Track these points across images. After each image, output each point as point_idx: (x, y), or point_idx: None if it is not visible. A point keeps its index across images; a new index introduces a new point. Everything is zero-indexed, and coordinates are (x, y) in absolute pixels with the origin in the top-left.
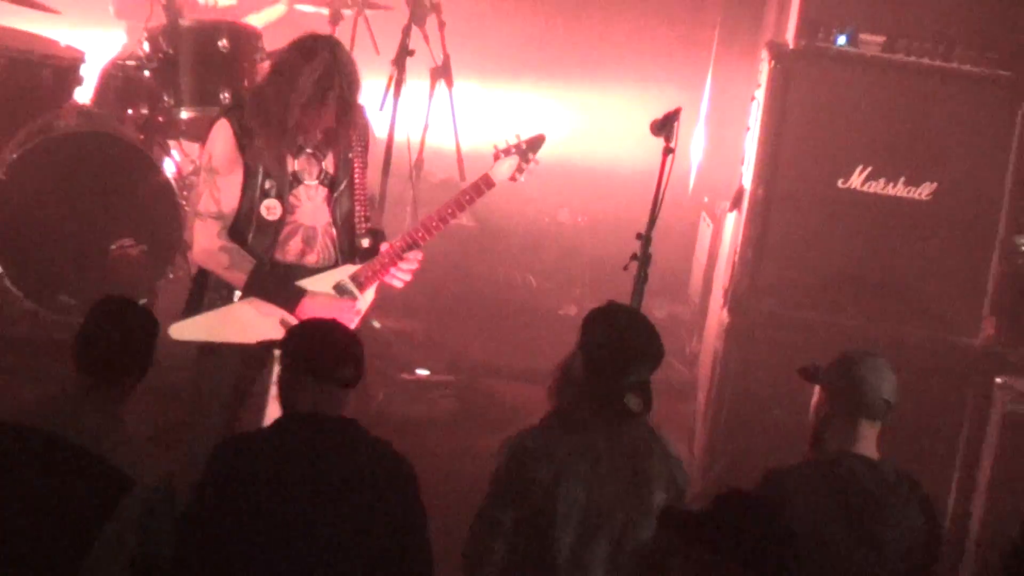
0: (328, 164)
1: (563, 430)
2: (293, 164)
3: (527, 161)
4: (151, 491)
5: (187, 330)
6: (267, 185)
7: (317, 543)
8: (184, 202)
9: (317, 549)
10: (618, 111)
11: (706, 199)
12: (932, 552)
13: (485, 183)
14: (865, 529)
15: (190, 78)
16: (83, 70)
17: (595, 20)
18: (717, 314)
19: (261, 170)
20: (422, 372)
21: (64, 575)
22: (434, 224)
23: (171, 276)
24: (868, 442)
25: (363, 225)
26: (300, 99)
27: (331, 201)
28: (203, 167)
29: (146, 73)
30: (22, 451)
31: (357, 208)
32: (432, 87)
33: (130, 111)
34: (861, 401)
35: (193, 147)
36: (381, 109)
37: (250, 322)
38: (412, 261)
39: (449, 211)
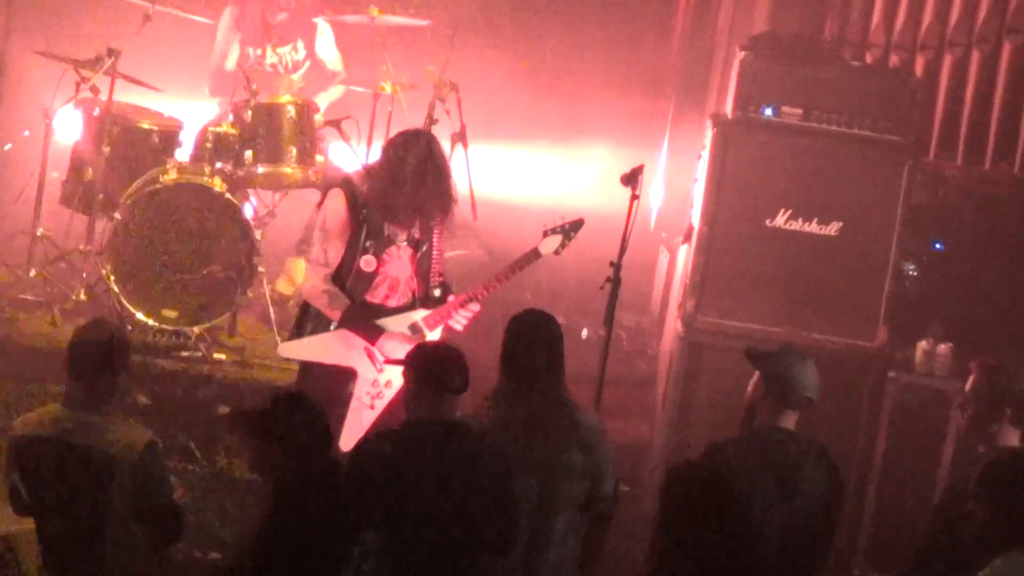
0: (415, 230)
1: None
2: (388, 228)
3: (569, 239)
4: (144, 454)
5: (292, 350)
6: (367, 244)
7: (438, 518)
8: (259, 237)
9: (440, 519)
10: (594, 165)
11: (664, 235)
12: (837, 502)
13: (534, 254)
14: (786, 485)
15: (265, 141)
16: (182, 135)
17: (575, 95)
18: (672, 324)
19: (364, 231)
20: None
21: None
22: (491, 285)
23: (249, 295)
24: (789, 421)
25: (436, 279)
26: (402, 178)
27: (414, 259)
28: (317, 225)
29: (231, 137)
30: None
31: (433, 266)
32: (452, 148)
33: (218, 166)
34: (789, 393)
35: (267, 194)
36: None
37: (341, 348)
38: (470, 311)
39: (504, 275)
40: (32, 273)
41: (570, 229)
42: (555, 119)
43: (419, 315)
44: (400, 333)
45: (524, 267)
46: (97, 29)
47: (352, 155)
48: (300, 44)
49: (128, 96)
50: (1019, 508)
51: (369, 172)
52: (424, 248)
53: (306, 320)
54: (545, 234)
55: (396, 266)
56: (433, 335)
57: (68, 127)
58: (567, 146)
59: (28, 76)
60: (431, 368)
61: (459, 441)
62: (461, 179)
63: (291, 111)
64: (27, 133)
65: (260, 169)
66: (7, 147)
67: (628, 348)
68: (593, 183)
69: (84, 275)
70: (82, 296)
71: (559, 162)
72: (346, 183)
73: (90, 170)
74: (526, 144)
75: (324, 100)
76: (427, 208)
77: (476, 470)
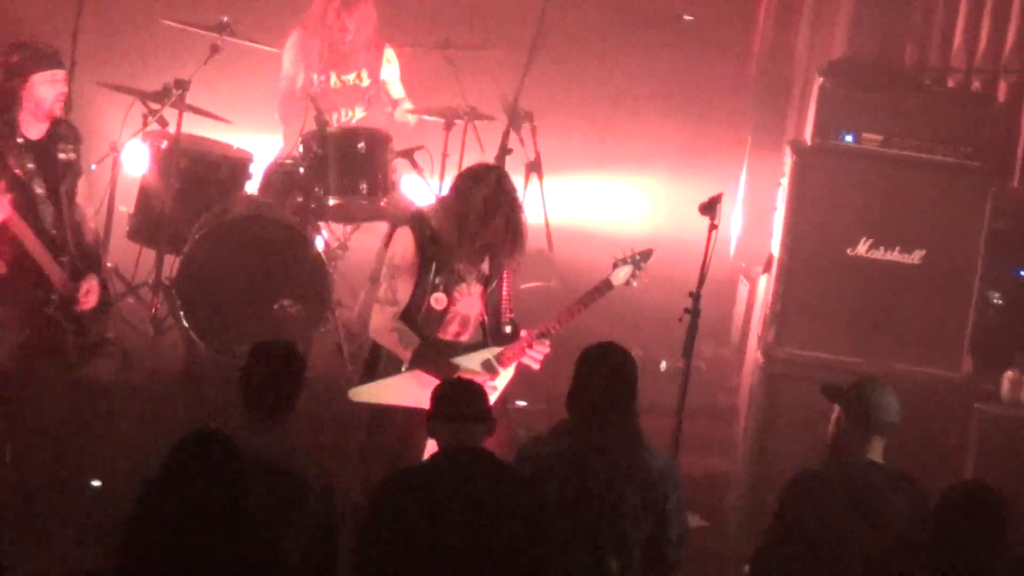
0: (485, 266)
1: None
2: (458, 265)
3: (639, 269)
4: (326, 489)
5: (363, 394)
6: (437, 281)
7: (465, 549)
8: (332, 271)
9: (465, 555)
10: (672, 193)
11: (743, 264)
12: (917, 526)
13: (605, 286)
14: (871, 515)
15: (335, 173)
16: (252, 167)
17: (651, 122)
18: (752, 354)
19: (434, 269)
20: (520, 403)
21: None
22: (563, 318)
23: (322, 329)
24: (876, 450)
25: (507, 316)
26: (472, 215)
27: (484, 296)
28: (386, 263)
29: (301, 170)
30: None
31: (504, 303)
32: (527, 178)
33: (289, 199)
34: (872, 421)
35: (338, 227)
36: None
37: (413, 389)
38: (543, 347)
39: (576, 308)
40: None
41: (640, 259)
42: (630, 146)
43: (492, 352)
44: (471, 371)
45: (596, 299)
46: (164, 60)
47: (425, 187)
48: (364, 73)
49: (197, 128)
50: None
51: (439, 207)
52: (494, 284)
53: (376, 361)
54: (615, 265)
55: (466, 303)
56: (507, 372)
57: (136, 160)
58: (643, 174)
59: (95, 109)
60: (445, 398)
61: (482, 468)
62: (536, 209)
63: (362, 142)
64: (94, 167)
65: (331, 201)
66: None
67: (708, 380)
68: (671, 212)
69: (153, 310)
70: (151, 331)
71: (636, 190)
72: (414, 219)
73: (159, 204)
74: (602, 172)
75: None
76: (497, 244)
77: (501, 498)
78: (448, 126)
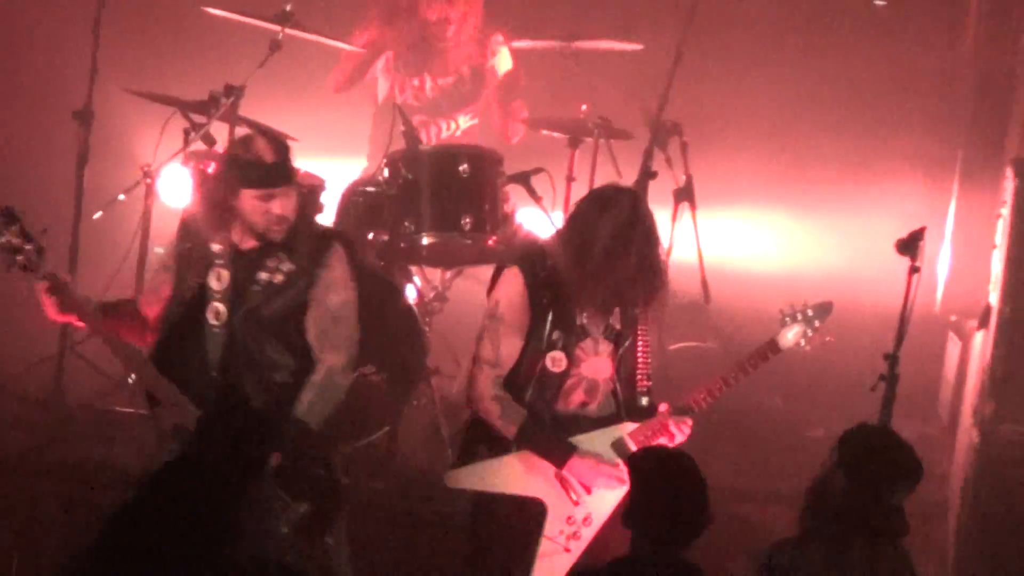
0: (615, 319)
1: (819, 546)
2: (581, 316)
3: (813, 328)
4: None
5: (462, 478)
6: (554, 336)
7: None
8: (426, 329)
9: None
10: (861, 230)
11: (953, 318)
12: None
13: (771, 349)
14: None
15: (431, 203)
16: (323, 196)
17: (833, 138)
18: (967, 433)
19: (549, 321)
20: None
21: None
22: (714, 390)
23: (414, 403)
24: None
25: (643, 383)
26: (595, 250)
27: (615, 357)
28: (488, 313)
29: (386, 199)
30: None
31: (639, 366)
32: (675, 210)
33: (371, 236)
34: None
35: (435, 273)
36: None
37: (523, 474)
38: (686, 426)
39: (732, 377)
40: (132, 379)
41: (813, 316)
42: (805, 167)
43: (625, 429)
44: (594, 456)
45: (758, 366)
46: (210, 60)
47: (545, 221)
48: (467, 73)
49: None
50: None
51: (555, 241)
52: (627, 343)
53: (477, 438)
54: (783, 322)
55: (593, 365)
56: None
57: (176, 188)
58: (823, 202)
59: (123, 122)
60: (667, 482)
61: None
62: (688, 248)
63: (464, 163)
64: (122, 197)
65: (425, 240)
66: (97, 215)
67: None
68: (858, 251)
69: None
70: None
71: (812, 223)
72: (524, 258)
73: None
74: (769, 201)
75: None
76: (628, 290)
77: None
78: (574, 143)
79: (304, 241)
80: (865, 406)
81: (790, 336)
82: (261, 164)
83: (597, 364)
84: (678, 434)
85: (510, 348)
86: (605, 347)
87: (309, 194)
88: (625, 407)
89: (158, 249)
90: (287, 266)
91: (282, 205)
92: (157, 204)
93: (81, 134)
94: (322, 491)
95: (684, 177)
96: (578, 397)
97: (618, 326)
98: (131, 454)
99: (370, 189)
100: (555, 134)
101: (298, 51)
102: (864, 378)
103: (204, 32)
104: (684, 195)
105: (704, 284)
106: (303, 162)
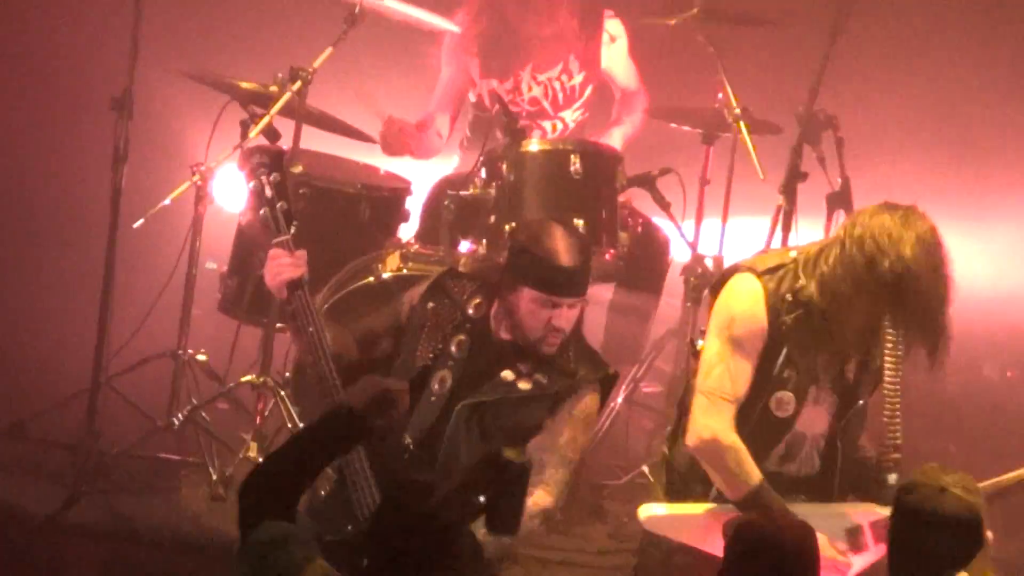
0: (850, 368)
1: None
2: (820, 358)
3: None
4: None
5: (659, 521)
6: (786, 373)
7: None
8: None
9: None
10: None
11: None
12: None
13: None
14: None
15: (536, 208)
16: (408, 202)
17: (1018, 137)
18: None
19: (785, 352)
20: None
21: None
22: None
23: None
24: None
25: (892, 456)
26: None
27: (838, 415)
28: (717, 330)
29: (483, 203)
30: None
31: (889, 433)
32: (829, 217)
33: (465, 249)
34: None
35: None
36: (767, 247)
37: (714, 533)
38: None
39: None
40: (177, 420)
41: None
42: (986, 173)
43: (867, 515)
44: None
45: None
46: (272, 38)
47: (674, 230)
48: (574, 62)
49: (324, 144)
50: None
51: (822, 258)
52: (859, 404)
53: (687, 481)
54: None
55: (808, 416)
56: (877, 551)
57: (231, 192)
58: (1003, 215)
59: (169, 111)
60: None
61: None
62: None
63: (576, 162)
64: (167, 202)
65: None
66: (137, 224)
67: None
68: None
69: (258, 419)
70: (253, 453)
71: (991, 239)
72: (769, 271)
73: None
74: (939, 212)
75: (618, 140)
76: (877, 331)
77: None
78: (709, 139)
79: (568, 357)
80: None
81: None
82: (555, 266)
83: (813, 416)
84: None
85: (744, 378)
86: (827, 398)
87: (391, 199)
88: (849, 479)
89: (210, 264)
90: (539, 376)
91: (566, 319)
92: (209, 210)
93: (119, 125)
94: None
95: (840, 180)
96: (779, 450)
97: (851, 377)
98: (175, 509)
99: (465, 193)
100: (685, 128)
101: (381, 27)
102: None
103: (266, 4)
104: (840, 201)
105: None
106: (384, 160)
